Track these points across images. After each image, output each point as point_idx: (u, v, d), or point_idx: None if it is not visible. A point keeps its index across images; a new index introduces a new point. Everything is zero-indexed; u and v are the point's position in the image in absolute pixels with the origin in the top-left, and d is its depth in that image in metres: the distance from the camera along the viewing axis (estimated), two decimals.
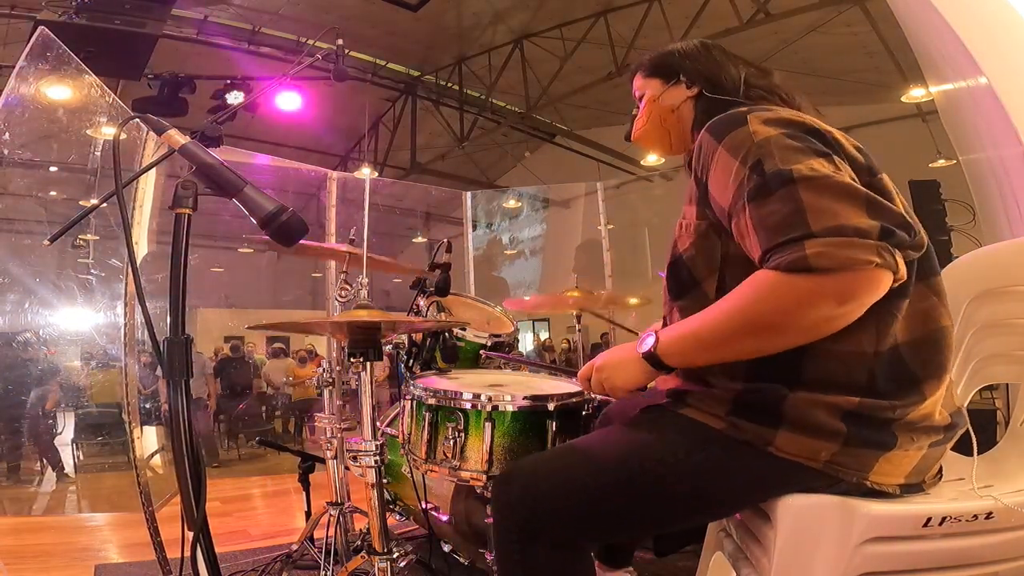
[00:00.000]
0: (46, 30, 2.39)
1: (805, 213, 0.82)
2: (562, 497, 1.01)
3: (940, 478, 1.03)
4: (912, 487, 0.96)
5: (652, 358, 1.01)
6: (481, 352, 2.04)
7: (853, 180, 0.87)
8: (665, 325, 1.14)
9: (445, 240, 2.04)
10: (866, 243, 0.80)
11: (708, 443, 0.97)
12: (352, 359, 1.52)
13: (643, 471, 0.99)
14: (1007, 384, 1.73)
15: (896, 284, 0.84)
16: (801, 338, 0.88)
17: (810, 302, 0.83)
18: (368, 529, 2.07)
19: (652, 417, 1.08)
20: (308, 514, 2.29)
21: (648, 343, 1.01)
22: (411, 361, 1.92)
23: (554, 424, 1.37)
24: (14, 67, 2.37)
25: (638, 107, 1.27)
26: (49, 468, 5.29)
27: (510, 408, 1.36)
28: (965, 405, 1.25)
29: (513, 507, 1.04)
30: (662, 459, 0.99)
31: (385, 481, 1.75)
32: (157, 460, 4.46)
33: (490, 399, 1.37)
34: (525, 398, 1.37)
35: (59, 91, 2.77)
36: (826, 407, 0.90)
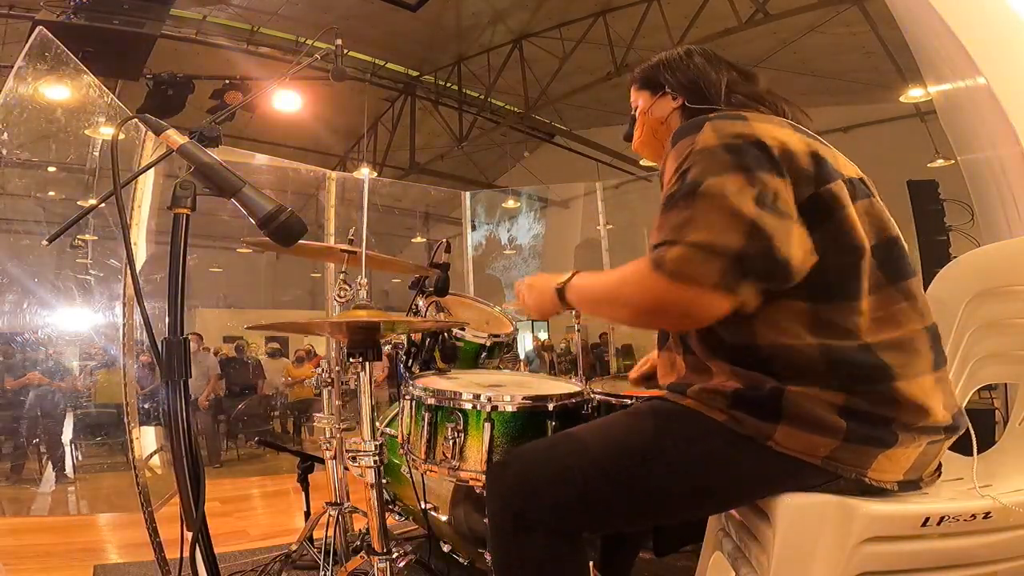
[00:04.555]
0: (44, 30, 2.39)
1: (690, 223, 0.89)
2: (558, 486, 1.01)
3: (939, 475, 1.03)
4: (910, 484, 0.96)
5: (560, 292, 1.14)
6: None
7: (762, 202, 0.88)
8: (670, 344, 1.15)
9: (444, 240, 2.04)
10: (711, 263, 0.86)
11: (709, 435, 0.97)
12: (351, 359, 1.52)
13: (642, 462, 0.99)
14: (1006, 384, 1.74)
15: (749, 308, 0.91)
16: (643, 324, 1.02)
17: (647, 297, 0.93)
18: (367, 529, 2.07)
19: (653, 407, 1.08)
20: (307, 514, 2.29)
21: (562, 279, 1.14)
22: (410, 361, 1.92)
23: (553, 424, 1.37)
24: (12, 67, 2.37)
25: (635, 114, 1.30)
26: (48, 468, 5.29)
27: (509, 408, 1.36)
28: (964, 405, 1.25)
29: (508, 495, 1.04)
30: (662, 450, 0.99)
31: (384, 481, 1.75)
32: (156, 460, 4.45)
33: (489, 399, 1.37)
34: (524, 398, 1.37)
35: (57, 91, 2.77)
36: (821, 402, 0.91)
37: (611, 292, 1.03)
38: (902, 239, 1.01)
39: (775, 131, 0.97)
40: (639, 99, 1.26)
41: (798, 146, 0.96)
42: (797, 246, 0.89)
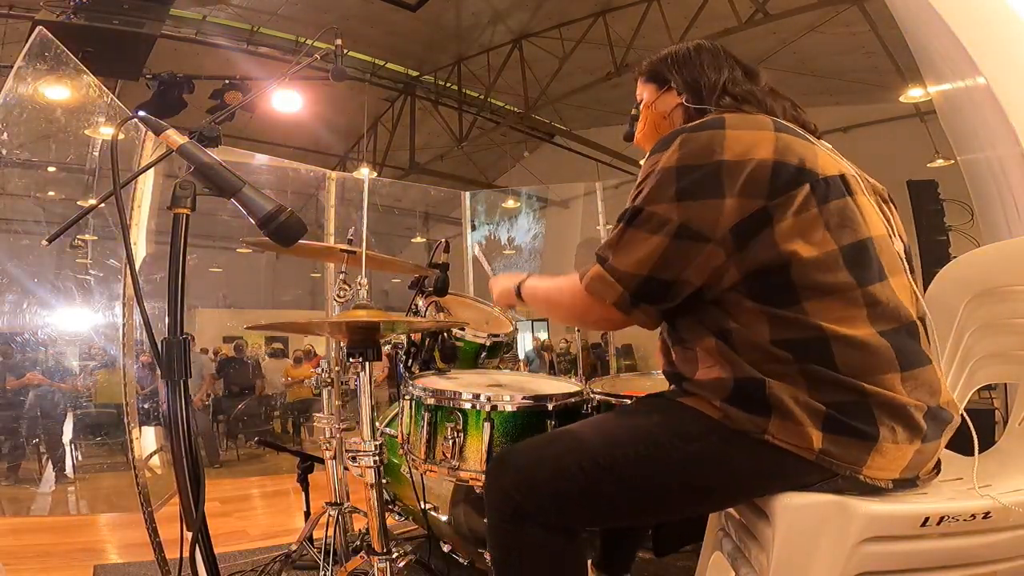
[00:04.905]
0: (44, 30, 2.39)
1: (616, 246, 1.02)
2: (558, 481, 1.02)
3: (938, 473, 1.03)
4: (906, 482, 0.96)
5: (516, 288, 1.31)
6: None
7: (683, 233, 0.96)
8: (663, 334, 1.16)
9: (443, 240, 2.04)
10: (615, 286, 1.01)
11: (705, 432, 0.98)
12: (351, 359, 1.52)
13: (640, 458, 1.00)
14: (1005, 384, 1.74)
15: (648, 324, 1.06)
16: (565, 321, 1.26)
17: (570, 301, 1.13)
18: (367, 529, 2.07)
19: (652, 404, 1.10)
20: (307, 514, 2.29)
21: (520, 279, 1.31)
22: (410, 361, 1.92)
23: (553, 424, 1.37)
24: (12, 67, 2.37)
25: (637, 107, 1.30)
26: (48, 467, 5.29)
27: (509, 408, 1.36)
28: (963, 405, 1.25)
29: (507, 490, 1.04)
30: (660, 446, 1.00)
31: (384, 481, 1.75)
32: (156, 460, 4.45)
33: (489, 399, 1.37)
34: (524, 398, 1.37)
35: (57, 91, 2.77)
36: (797, 394, 0.93)
37: (551, 294, 1.22)
38: (879, 240, 0.99)
39: (744, 138, 0.98)
40: (644, 92, 1.27)
41: (762, 154, 0.96)
42: (699, 270, 0.98)
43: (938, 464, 1.03)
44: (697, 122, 1.04)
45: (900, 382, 0.94)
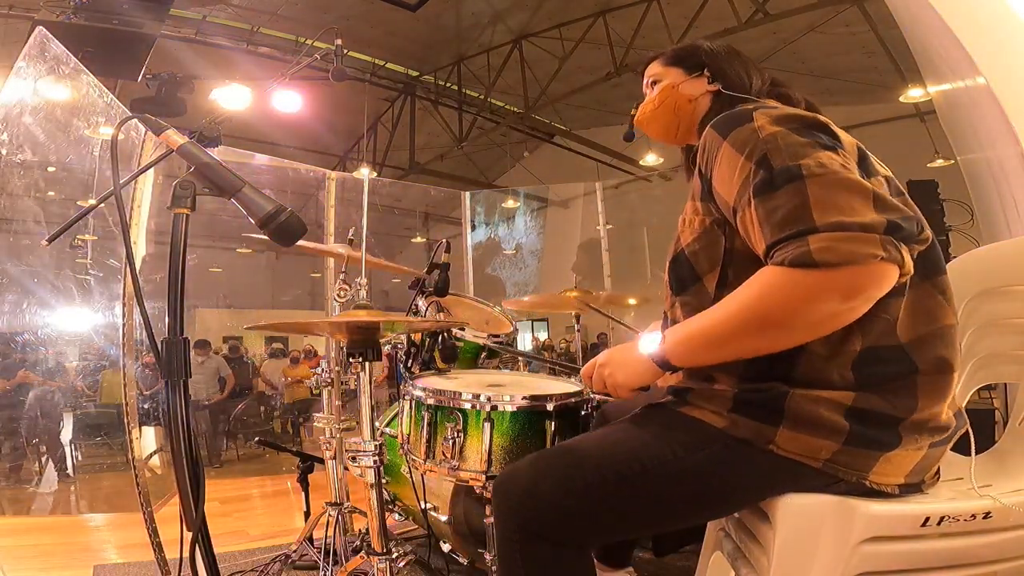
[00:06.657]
0: (44, 30, 2.39)
1: (810, 208, 0.82)
2: (563, 497, 1.01)
3: (938, 478, 1.03)
4: (911, 487, 0.96)
5: (659, 359, 1.01)
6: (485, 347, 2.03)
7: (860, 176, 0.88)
8: (666, 321, 1.14)
9: (444, 240, 2.04)
10: (870, 237, 0.80)
11: (709, 441, 0.97)
12: (351, 359, 1.52)
13: (643, 470, 0.99)
14: (1005, 384, 1.74)
15: (902, 280, 0.85)
16: (807, 335, 0.88)
17: (816, 297, 0.83)
18: (367, 529, 2.07)
19: (653, 415, 1.08)
20: (307, 514, 2.29)
21: (655, 345, 1.01)
22: (410, 361, 1.92)
23: (553, 424, 1.37)
24: (12, 67, 2.37)
25: (636, 107, 1.28)
26: (49, 467, 5.29)
27: (509, 408, 1.36)
28: (963, 405, 1.25)
29: (514, 508, 1.04)
30: (663, 458, 0.99)
31: (384, 481, 1.75)
32: (156, 460, 4.46)
33: (489, 399, 1.37)
34: (524, 398, 1.37)
35: (57, 91, 2.77)
36: (827, 404, 0.91)
37: (744, 323, 0.89)
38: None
39: (822, 117, 0.98)
40: (667, 75, 1.23)
41: (846, 136, 0.97)
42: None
43: (938, 470, 1.03)
44: (757, 103, 1.03)
45: (956, 378, 0.95)
